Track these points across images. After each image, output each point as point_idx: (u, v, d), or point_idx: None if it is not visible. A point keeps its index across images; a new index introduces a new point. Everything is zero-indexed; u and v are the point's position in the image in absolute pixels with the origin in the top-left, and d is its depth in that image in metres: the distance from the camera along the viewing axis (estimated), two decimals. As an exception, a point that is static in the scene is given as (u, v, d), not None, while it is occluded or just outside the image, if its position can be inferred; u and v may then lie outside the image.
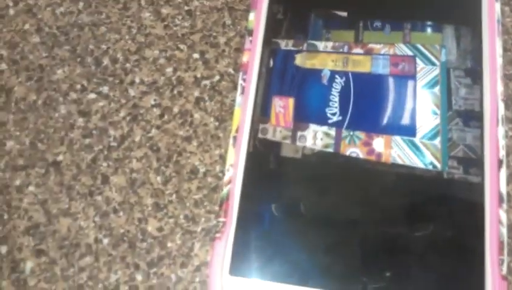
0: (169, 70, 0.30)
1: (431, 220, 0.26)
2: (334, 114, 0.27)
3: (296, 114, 0.28)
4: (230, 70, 0.30)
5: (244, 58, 0.28)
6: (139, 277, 0.26)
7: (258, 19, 0.29)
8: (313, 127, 0.27)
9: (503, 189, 0.26)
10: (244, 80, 0.28)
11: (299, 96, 0.28)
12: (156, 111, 0.29)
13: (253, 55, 0.28)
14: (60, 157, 0.28)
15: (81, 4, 0.32)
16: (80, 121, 0.29)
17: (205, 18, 0.32)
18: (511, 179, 0.28)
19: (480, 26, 0.29)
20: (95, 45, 0.31)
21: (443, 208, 0.26)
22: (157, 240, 0.27)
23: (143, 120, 0.29)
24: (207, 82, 0.30)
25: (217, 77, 0.30)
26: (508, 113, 0.30)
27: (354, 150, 0.27)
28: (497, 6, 0.29)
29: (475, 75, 0.28)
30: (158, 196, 0.27)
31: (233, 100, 0.30)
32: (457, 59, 0.28)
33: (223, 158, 0.28)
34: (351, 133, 0.27)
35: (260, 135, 0.27)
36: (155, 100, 0.30)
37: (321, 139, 0.27)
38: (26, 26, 0.31)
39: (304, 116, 0.28)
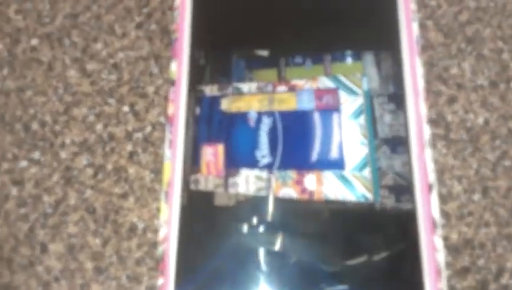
0: (99, 127, 0.30)
1: (367, 254, 0.26)
2: (264, 156, 0.28)
3: (227, 160, 0.28)
4: (162, 119, 0.30)
5: (170, 110, 0.28)
6: None
7: (180, 68, 0.29)
8: (244, 172, 0.27)
9: (436, 214, 0.26)
10: (171, 132, 0.28)
11: (228, 141, 0.28)
12: (89, 171, 0.29)
13: (177, 106, 0.28)
14: (-3, 232, 0.28)
15: (5, 70, 0.31)
16: (14, 191, 0.29)
17: (132, 69, 0.31)
18: (449, 198, 0.29)
19: (400, 49, 0.29)
20: (23, 110, 0.31)
21: (378, 239, 0.26)
22: (100, 305, 0.27)
23: (77, 182, 0.29)
24: (139, 134, 0.30)
25: (149, 128, 0.30)
26: (439, 130, 0.30)
27: (287, 191, 0.27)
28: (415, 26, 0.30)
29: (398, 99, 0.28)
30: (98, 259, 0.27)
31: (167, 150, 0.30)
32: (380, 86, 0.29)
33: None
34: (283, 173, 0.27)
35: (192, 186, 0.27)
36: (87, 160, 0.29)
37: (253, 183, 0.27)
38: (-49, 100, 0.31)
39: (235, 161, 0.28)
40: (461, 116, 0.30)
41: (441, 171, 0.29)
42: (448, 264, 0.27)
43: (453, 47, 0.32)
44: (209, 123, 0.28)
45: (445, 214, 0.28)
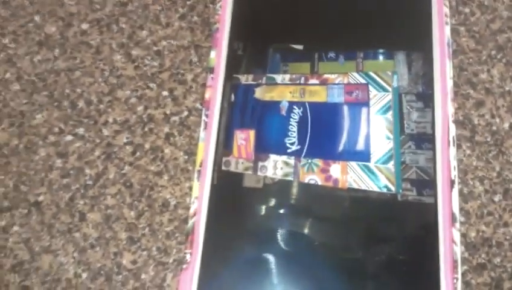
0: (140, 108, 0.32)
1: (386, 242, 0.27)
2: (292, 144, 0.29)
3: (257, 146, 0.29)
4: (198, 105, 0.32)
5: (207, 95, 0.30)
6: (114, 309, 0.28)
7: (218, 57, 0.31)
8: (273, 157, 0.29)
9: (456, 209, 0.27)
10: (207, 116, 0.30)
11: (260, 128, 0.30)
12: (129, 149, 0.31)
13: (214, 92, 0.30)
14: (41, 198, 0.30)
15: (56, 51, 0.34)
16: (58, 162, 0.31)
17: (173, 57, 0.33)
18: (470, 197, 0.30)
19: (431, 51, 0.30)
20: (71, 89, 0.33)
21: (398, 229, 0.27)
22: (131, 272, 0.28)
23: (116, 158, 0.31)
24: (176, 118, 0.32)
25: (186, 113, 0.32)
26: (465, 132, 0.31)
27: (313, 177, 0.28)
28: (447, 30, 0.31)
29: (426, 98, 0.29)
30: (132, 230, 0.29)
31: (201, 134, 0.31)
32: (409, 84, 0.30)
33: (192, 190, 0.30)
34: (309, 161, 0.29)
35: (223, 168, 0.29)
36: (127, 138, 0.32)
37: (281, 168, 0.29)
38: (7, 75, 0.33)
39: (265, 147, 0.29)
40: (487, 120, 0.31)
41: (464, 171, 0.30)
42: (465, 260, 0.28)
43: (484, 53, 0.33)
44: (243, 110, 0.30)
45: (465, 212, 0.29)
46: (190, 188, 0.30)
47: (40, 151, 0.32)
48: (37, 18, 0.35)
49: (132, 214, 0.30)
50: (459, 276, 0.26)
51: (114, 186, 0.30)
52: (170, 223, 0.29)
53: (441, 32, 0.31)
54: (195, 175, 0.28)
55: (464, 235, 0.29)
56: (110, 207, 0.30)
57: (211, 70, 0.31)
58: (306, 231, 0.27)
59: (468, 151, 0.31)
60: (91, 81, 0.33)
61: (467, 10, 0.34)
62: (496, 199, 0.29)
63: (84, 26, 0.35)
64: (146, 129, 0.32)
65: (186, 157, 0.31)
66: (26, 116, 0.32)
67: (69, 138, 0.32)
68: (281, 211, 0.28)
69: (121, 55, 0.34)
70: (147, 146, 0.31)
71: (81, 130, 0.32)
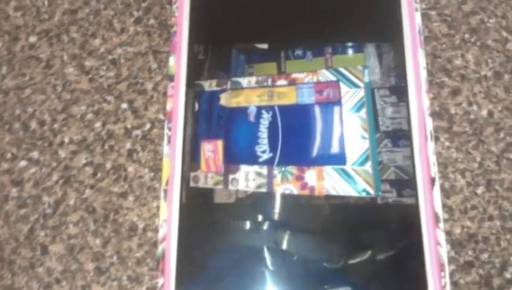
0: (98, 125, 0.30)
1: (369, 249, 0.25)
2: (264, 151, 0.27)
3: (226, 156, 0.27)
4: (161, 116, 0.30)
5: (168, 105, 0.28)
6: None
7: (178, 63, 0.29)
8: (244, 168, 0.27)
9: (439, 208, 0.26)
10: (169, 129, 0.27)
11: (228, 137, 0.28)
12: (89, 170, 0.29)
13: (176, 102, 0.28)
14: (-3, 231, 0.28)
15: (4, 69, 0.31)
16: (14, 191, 0.29)
17: (130, 65, 0.31)
18: (452, 192, 0.28)
19: (402, 40, 0.28)
20: (22, 109, 0.30)
21: (380, 234, 0.26)
22: (102, 304, 0.26)
23: (76, 181, 0.29)
24: (138, 132, 0.30)
25: (148, 125, 0.30)
26: (442, 123, 0.30)
27: (288, 187, 0.27)
28: (418, 16, 0.29)
29: (400, 92, 0.28)
30: (99, 259, 0.27)
31: (166, 147, 0.29)
32: (381, 78, 0.28)
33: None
34: (283, 169, 0.27)
35: (192, 184, 0.27)
36: (86, 159, 0.29)
37: (253, 179, 0.27)
38: (-51, 100, 0.31)
39: (234, 157, 0.27)
40: (464, 108, 0.30)
41: (444, 165, 0.29)
42: (452, 259, 0.27)
43: (457, 38, 0.31)
44: (208, 119, 0.28)
45: (448, 208, 0.28)
46: (158, 208, 0.28)
47: (-7, 180, 0.29)
48: (-23, 34, 0.32)
49: (98, 242, 0.28)
50: (447, 278, 0.25)
51: (75, 213, 0.28)
52: (140, 248, 0.27)
53: (411, 19, 0.29)
54: (162, 195, 0.26)
55: (448, 233, 0.27)
56: (73, 236, 0.28)
57: (171, 78, 0.28)
58: (285, 245, 0.26)
59: (446, 143, 0.29)
60: (43, 99, 0.31)
61: (436, -7, 0.32)
62: (479, 191, 0.28)
63: (32, 39, 0.32)
64: (106, 147, 0.29)
65: (152, 174, 0.29)
66: (-26, 143, 0.30)
67: (23, 163, 0.29)
68: (257, 226, 0.26)
69: (73, 67, 0.31)
70: (108, 165, 0.29)
71: (35, 154, 0.29)
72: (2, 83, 0.31)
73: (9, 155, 0.29)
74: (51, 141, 0.30)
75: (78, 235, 0.28)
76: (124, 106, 0.30)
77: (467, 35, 0.31)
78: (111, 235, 0.28)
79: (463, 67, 0.31)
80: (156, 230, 0.28)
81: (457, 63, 0.31)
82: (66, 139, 0.30)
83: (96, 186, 0.29)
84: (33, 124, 0.30)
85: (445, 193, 0.28)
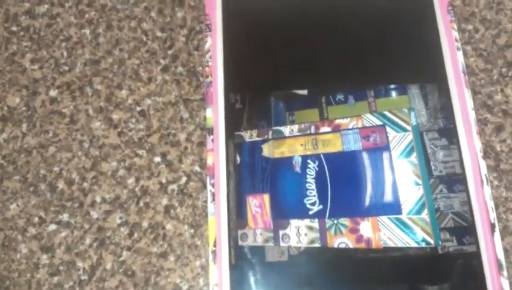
0: (131, 181, 0.28)
1: (435, 303, 0.24)
2: (313, 204, 0.26)
3: (274, 211, 0.26)
4: (197, 168, 0.28)
5: (209, 160, 0.26)
6: None
7: (216, 114, 0.27)
8: (294, 222, 0.26)
9: (501, 255, 0.24)
10: (212, 185, 0.26)
11: (274, 190, 0.26)
12: (124, 230, 0.27)
13: (217, 156, 0.26)
14: (29, 305, 0.26)
15: (24, 126, 0.29)
16: (44, 258, 0.27)
17: (160, 116, 0.30)
18: (505, 233, 0.27)
19: (446, 80, 0.28)
20: (47, 169, 0.28)
21: (444, 284, 0.24)
22: None
23: (111, 243, 0.27)
24: (174, 186, 0.28)
25: (184, 179, 0.28)
26: (489, 161, 0.29)
27: (343, 240, 0.25)
28: (460, 55, 0.28)
29: (450, 134, 0.27)
30: (143, 329, 0.25)
31: (205, 201, 0.28)
32: (428, 120, 0.27)
33: (205, 269, 0.26)
34: (335, 221, 0.25)
35: (240, 243, 0.25)
36: (121, 218, 0.27)
37: (305, 234, 0.25)
38: (-32, 162, 0.29)
39: (283, 212, 0.26)
40: (510, 145, 0.29)
41: (495, 205, 0.28)
42: (518, 308, 0.25)
43: (494, 72, 0.30)
44: (252, 171, 0.27)
45: (503, 250, 0.27)
46: (202, 267, 0.26)
47: (21, 247, 0.27)
48: (-5, 89, 0.30)
49: (140, 309, 0.26)
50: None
51: (113, 277, 0.26)
52: (186, 312, 0.26)
53: (454, 59, 0.28)
54: (210, 257, 0.25)
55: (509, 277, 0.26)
56: (114, 304, 0.26)
57: (210, 131, 0.27)
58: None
59: (495, 182, 0.28)
60: (69, 157, 0.29)
61: (470, 27, 0.32)
62: (535, 232, 0.27)
63: (53, 92, 0.30)
64: (141, 204, 0.28)
65: (192, 231, 0.27)
66: (-2, 208, 0.28)
67: (53, 227, 0.27)
68: (315, 285, 0.24)
69: (100, 121, 0.29)
70: (145, 224, 0.27)
71: (65, 217, 0.27)
72: (23, 141, 0.29)
73: (36, 219, 0.27)
74: (81, 202, 0.28)
75: (118, 304, 0.26)
76: (157, 159, 0.29)
77: (504, 69, 0.31)
78: (154, 302, 0.26)
79: (504, 102, 0.30)
80: (202, 293, 0.26)
81: (497, 98, 0.30)
82: (98, 199, 0.28)
83: (133, 247, 0.27)
84: (60, 185, 0.28)
85: (500, 234, 0.27)
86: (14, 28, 0.32)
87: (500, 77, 0.30)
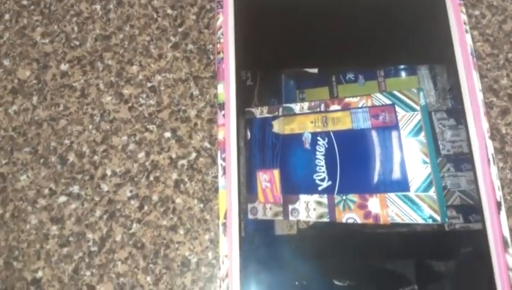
0: (141, 155, 0.28)
1: (439, 277, 0.24)
2: (322, 180, 0.26)
3: (284, 186, 0.26)
4: (206, 144, 0.29)
5: (220, 135, 0.27)
6: None
7: (227, 90, 0.27)
8: (303, 197, 0.26)
9: (506, 233, 0.25)
10: (223, 160, 0.26)
11: (284, 165, 0.26)
12: (134, 203, 0.27)
13: (228, 131, 0.27)
14: (39, 274, 0.26)
15: (35, 99, 0.29)
16: (54, 229, 0.27)
17: (171, 92, 0.30)
18: (510, 213, 0.28)
19: (455, 62, 0.28)
20: (57, 142, 0.29)
21: (450, 261, 0.25)
22: None
23: (121, 216, 0.27)
24: (184, 161, 0.28)
25: (194, 154, 0.29)
26: (495, 143, 0.29)
27: (351, 216, 0.26)
28: (468, 38, 0.29)
29: (458, 114, 0.27)
30: (152, 299, 0.25)
31: (215, 177, 0.28)
32: (437, 100, 0.27)
33: (214, 243, 0.27)
34: (344, 197, 0.26)
35: (250, 216, 0.26)
36: (131, 191, 0.28)
37: (314, 209, 0.26)
38: (-21, 133, 0.29)
39: (292, 187, 0.26)
40: (515, 128, 0.29)
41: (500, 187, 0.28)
42: (521, 285, 0.26)
43: (501, 57, 0.31)
44: (262, 147, 0.27)
45: (510, 229, 0.27)
46: (211, 241, 0.27)
47: (31, 218, 0.27)
48: (6, 62, 0.30)
49: (149, 280, 0.26)
50: (522, 306, 0.24)
51: (123, 249, 0.26)
52: (194, 284, 0.26)
53: (462, 41, 0.28)
54: (220, 229, 0.25)
55: None
56: (122, 275, 0.26)
57: (221, 106, 0.27)
58: (353, 277, 0.24)
59: (500, 164, 0.29)
60: (80, 130, 0.29)
61: (477, 12, 0.32)
62: (539, 213, 0.28)
63: (64, 66, 0.30)
64: (151, 178, 0.28)
65: (201, 205, 0.27)
66: (8, 179, 0.28)
67: (63, 199, 0.27)
68: (322, 258, 0.25)
69: (111, 96, 0.30)
70: (155, 198, 0.28)
71: (75, 189, 0.28)
72: (33, 114, 0.29)
73: (46, 191, 0.28)
74: (91, 175, 0.28)
75: (127, 273, 0.26)
76: (167, 134, 0.29)
77: (510, 55, 0.31)
78: (162, 271, 0.26)
79: (509, 86, 0.30)
80: (210, 265, 0.26)
81: (503, 82, 0.30)
82: (108, 172, 0.28)
83: (143, 220, 0.27)
84: (71, 157, 0.28)
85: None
86: (24, 2, 0.32)
87: (506, 61, 0.31)
